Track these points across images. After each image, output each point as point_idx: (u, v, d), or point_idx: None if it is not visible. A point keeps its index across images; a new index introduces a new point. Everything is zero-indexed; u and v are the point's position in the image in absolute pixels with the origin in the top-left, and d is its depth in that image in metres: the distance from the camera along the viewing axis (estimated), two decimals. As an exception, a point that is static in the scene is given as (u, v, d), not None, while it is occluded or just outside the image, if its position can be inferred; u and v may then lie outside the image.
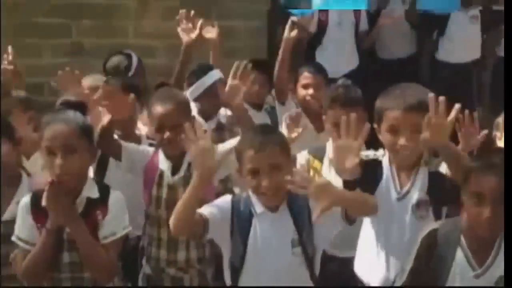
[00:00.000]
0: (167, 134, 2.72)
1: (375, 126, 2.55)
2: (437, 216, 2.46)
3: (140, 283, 2.84)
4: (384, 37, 5.05)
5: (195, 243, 2.79)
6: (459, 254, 2.29)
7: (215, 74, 3.56)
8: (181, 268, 2.80)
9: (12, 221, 2.58)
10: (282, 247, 2.38)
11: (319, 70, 3.81)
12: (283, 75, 3.76)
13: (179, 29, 3.63)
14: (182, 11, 3.65)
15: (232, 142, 2.73)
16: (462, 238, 2.29)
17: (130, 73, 3.82)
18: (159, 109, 2.76)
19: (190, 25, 3.64)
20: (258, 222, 2.40)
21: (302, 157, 3.02)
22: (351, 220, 2.38)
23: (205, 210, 2.34)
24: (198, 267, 2.82)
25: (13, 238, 2.46)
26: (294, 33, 3.71)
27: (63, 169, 2.38)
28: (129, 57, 3.88)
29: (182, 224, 2.28)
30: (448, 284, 2.28)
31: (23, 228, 2.46)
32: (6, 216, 2.64)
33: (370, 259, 2.58)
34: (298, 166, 2.93)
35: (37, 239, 2.45)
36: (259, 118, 3.73)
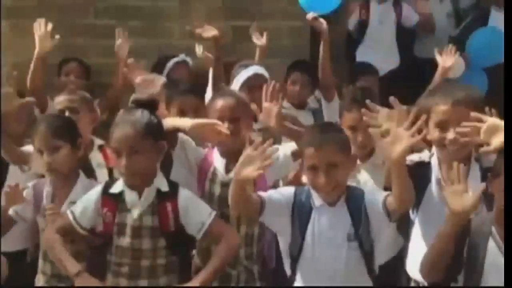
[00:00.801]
0: (226, 125, 2.80)
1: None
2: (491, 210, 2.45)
3: (192, 275, 2.87)
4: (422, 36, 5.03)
5: (244, 240, 2.86)
6: (491, 244, 2.34)
7: (255, 69, 3.63)
8: (229, 264, 2.84)
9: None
10: (339, 240, 2.48)
11: (372, 71, 3.88)
12: (327, 73, 3.78)
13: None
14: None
15: (291, 145, 2.84)
16: (494, 229, 2.33)
17: (163, 74, 4.11)
18: (219, 102, 2.87)
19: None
20: (317, 214, 2.50)
21: None
22: (391, 213, 2.44)
23: (265, 193, 2.49)
24: (245, 264, 2.88)
25: (72, 221, 2.62)
26: (323, 26, 3.74)
27: (128, 169, 2.54)
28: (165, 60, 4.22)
29: (235, 200, 2.41)
30: (484, 273, 2.33)
31: (84, 215, 2.63)
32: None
33: (420, 260, 2.57)
34: None
35: (97, 225, 2.63)
36: (303, 117, 3.80)
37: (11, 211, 2.85)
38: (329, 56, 3.77)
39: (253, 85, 3.43)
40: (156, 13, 4.85)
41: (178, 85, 3.45)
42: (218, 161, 2.88)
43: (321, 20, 3.80)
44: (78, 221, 2.64)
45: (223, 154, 2.87)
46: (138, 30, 4.84)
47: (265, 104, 2.88)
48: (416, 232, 2.69)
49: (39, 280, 2.90)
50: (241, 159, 2.38)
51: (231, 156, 2.83)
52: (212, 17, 4.77)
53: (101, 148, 3.33)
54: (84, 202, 2.66)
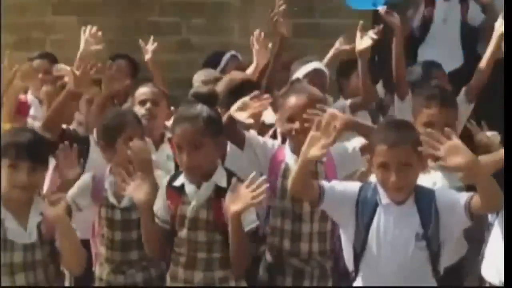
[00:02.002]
0: (297, 124, 2.82)
1: None
2: None
3: (261, 272, 2.95)
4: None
5: (318, 236, 2.87)
6: None
7: (314, 65, 3.65)
8: (303, 259, 2.87)
9: (127, 208, 2.88)
10: (406, 240, 2.44)
11: (439, 67, 3.81)
12: (401, 70, 3.68)
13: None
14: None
15: (360, 139, 2.85)
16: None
17: (219, 68, 4.18)
18: (293, 100, 2.87)
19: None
20: (382, 212, 2.47)
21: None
22: (473, 215, 2.39)
23: (327, 183, 2.50)
24: (319, 260, 2.88)
25: (156, 219, 2.70)
26: (397, 20, 3.66)
27: (188, 165, 2.60)
28: (221, 54, 4.22)
29: (296, 182, 2.45)
30: None
31: (160, 207, 2.70)
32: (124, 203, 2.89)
33: (498, 263, 2.57)
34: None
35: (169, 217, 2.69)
36: (359, 116, 3.78)
37: (69, 200, 2.86)
38: (403, 52, 3.67)
39: (312, 80, 3.45)
40: (218, 10, 4.92)
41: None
42: (290, 157, 2.89)
43: (395, 14, 3.71)
44: (159, 216, 2.70)
45: (294, 150, 2.88)
46: (200, 27, 4.95)
47: (314, 133, 2.74)
48: (496, 235, 2.66)
49: (103, 268, 2.95)
50: (306, 140, 2.41)
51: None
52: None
53: (170, 140, 3.37)
54: (159, 197, 2.72)
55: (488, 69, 3.52)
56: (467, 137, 3.01)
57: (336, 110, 2.91)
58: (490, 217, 2.73)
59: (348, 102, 3.88)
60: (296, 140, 2.83)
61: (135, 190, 2.64)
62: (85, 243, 3.05)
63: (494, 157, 2.63)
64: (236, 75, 3.40)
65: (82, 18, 4.92)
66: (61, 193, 2.64)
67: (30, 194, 2.58)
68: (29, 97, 4.27)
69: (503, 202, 2.31)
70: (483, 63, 3.54)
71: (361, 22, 3.66)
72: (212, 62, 4.39)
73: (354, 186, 2.56)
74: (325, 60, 4.20)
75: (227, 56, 4.37)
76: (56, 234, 2.58)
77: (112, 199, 2.91)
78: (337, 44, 4.31)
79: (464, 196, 2.42)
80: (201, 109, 2.65)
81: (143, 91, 3.49)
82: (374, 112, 4.12)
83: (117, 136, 2.90)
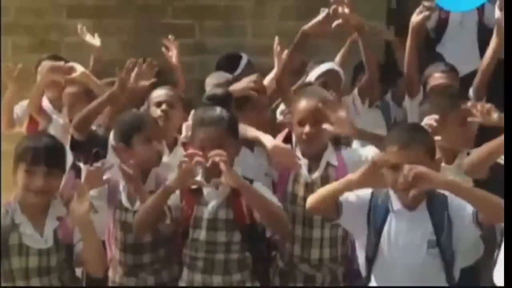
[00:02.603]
0: (307, 128, 2.83)
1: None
2: None
3: (271, 276, 2.95)
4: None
5: (329, 242, 2.87)
6: None
7: (329, 65, 3.63)
8: (314, 265, 2.88)
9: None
10: (417, 246, 2.41)
11: (451, 69, 3.77)
12: (413, 67, 3.61)
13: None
14: None
15: (373, 149, 2.85)
16: None
17: (237, 73, 4.07)
18: (303, 103, 2.87)
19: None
20: (394, 218, 2.44)
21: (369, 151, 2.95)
22: (481, 225, 2.37)
23: (343, 196, 2.45)
24: (330, 266, 2.89)
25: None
26: (422, 16, 3.55)
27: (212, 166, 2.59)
28: (239, 58, 4.15)
29: (316, 203, 2.45)
30: None
31: (173, 204, 2.71)
32: (137, 205, 2.88)
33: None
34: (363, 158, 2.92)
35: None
36: (371, 114, 3.78)
37: None
38: (415, 51, 3.60)
39: (326, 81, 3.45)
40: (231, 12, 4.94)
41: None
42: (301, 162, 2.89)
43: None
44: (170, 206, 2.71)
45: (304, 154, 2.90)
46: (214, 29, 4.96)
47: (341, 113, 2.87)
48: (506, 242, 2.55)
49: (116, 271, 2.97)
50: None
51: (313, 157, 2.87)
52: (286, 16, 4.84)
53: (184, 145, 3.39)
54: (172, 199, 2.72)
55: (492, 63, 3.47)
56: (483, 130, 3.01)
57: (344, 116, 2.89)
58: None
59: (355, 90, 3.75)
60: (306, 143, 2.84)
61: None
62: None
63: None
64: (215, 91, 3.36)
65: (97, 21, 4.99)
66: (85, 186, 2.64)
67: (46, 198, 2.60)
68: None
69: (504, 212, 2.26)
70: (485, 58, 3.49)
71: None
72: (225, 64, 4.39)
73: (365, 194, 2.51)
74: (338, 57, 4.13)
75: (244, 61, 4.34)
76: (75, 238, 2.60)
77: (125, 202, 2.94)
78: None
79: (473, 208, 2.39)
80: (222, 111, 2.69)
81: (159, 93, 3.51)
82: (385, 110, 4.10)
83: (133, 136, 2.92)
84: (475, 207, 2.31)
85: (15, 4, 5.03)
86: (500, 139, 2.52)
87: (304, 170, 2.88)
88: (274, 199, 2.67)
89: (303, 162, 2.88)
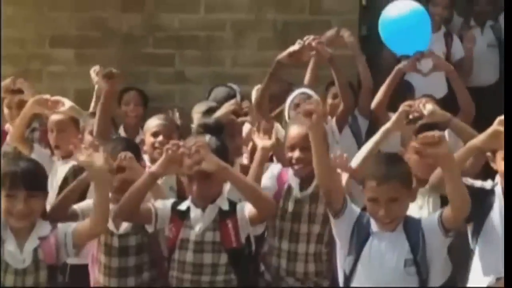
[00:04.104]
0: (297, 153, 2.99)
1: (488, 154, 2.71)
2: None
3: None
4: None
5: (313, 256, 3.01)
6: None
7: (301, 89, 3.82)
8: (300, 279, 3.01)
9: (125, 234, 2.96)
10: (395, 265, 2.56)
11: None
12: (382, 107, 3.79)
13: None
14: None
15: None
16: None
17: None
18: (294, 130, 3.05)
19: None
20: (374, 239, 2.60)
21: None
22: (447, 229, 2.54)
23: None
24: (315, 280, 3.03)
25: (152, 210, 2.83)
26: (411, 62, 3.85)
27: (199, 194, 2.77)
28: (232, 89, 4.33)
29: (320, 175, 2.64)
30: None
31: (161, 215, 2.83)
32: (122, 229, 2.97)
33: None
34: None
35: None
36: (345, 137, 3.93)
37: (76, 207, 2.92)
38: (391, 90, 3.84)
39: (298, 103, 3.67)
40: (211, 42, 5.09)
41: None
42: (292, 180, 3.08)
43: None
44: (158, 213, 2.81)
45: (296, 174, 3.07)
46: (194, 58, 5.10)
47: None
48: (477, 263, 2.74)
49: (100, 278, 2.99)
50: None
51: (304, 178, 3.05)
52: (263, 46, 5.01)
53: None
54: (162, 209, 2.84)
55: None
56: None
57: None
58: (471, 243, 2.84)
59: (333, 121, 3.95)
60: (296, 167, 3.01)
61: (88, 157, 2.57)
62: (85, 268, 3.15)
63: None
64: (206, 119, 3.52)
65: (79, 51, 5.11)
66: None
67: (29, 221, 2.60)
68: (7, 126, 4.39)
69: (469, 204, 2.47)
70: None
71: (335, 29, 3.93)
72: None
73: (356, 208, 2.70)
74: (306, 81, 4.28)
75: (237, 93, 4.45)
76: (59, 258, 2.61)
77: (111, 225, 3.00)
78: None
79: (437, 213, 2.59)
80: (211, 139, 2.86)
81: (155, 123, 3.61)
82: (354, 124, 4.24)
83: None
84: (450, 187, 2.49)
85: (-2, 34, 5.13)
86: (457, 154, 2.68)
87: (295, 188, 3.05)
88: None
89: (295, 181, 3.04)
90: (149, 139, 3.54)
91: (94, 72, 4.41)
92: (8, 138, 4.23)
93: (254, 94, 4.14)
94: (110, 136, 3.21)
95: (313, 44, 3.65)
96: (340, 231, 2.69)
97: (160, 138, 3.50)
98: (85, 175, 2.89)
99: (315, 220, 3.02)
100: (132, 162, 2.91)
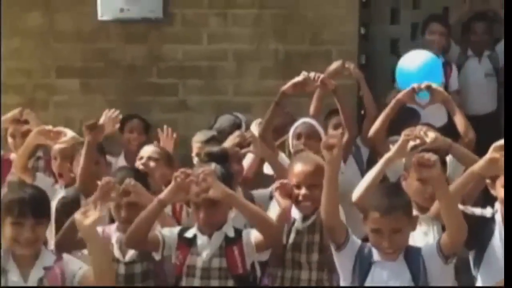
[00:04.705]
0: (303, 191, 3.05)
1: (488, 181, 2.77)
2: None
3: None
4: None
5: (315, 283, 3.06)
6: None
7: (304, 119, 3.95)
8: None
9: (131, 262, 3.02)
10: None
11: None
12: (381, 135, 3.81)
13: None
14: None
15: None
16: None
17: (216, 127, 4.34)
18: (299, 167, 3.11)
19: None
20: (376, 268, 2.65)
21: None
22: (446, 256, 2.60)
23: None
24: None
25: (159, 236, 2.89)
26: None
27: (206, 222, 2.84)
28: (238, 118, 4.43)
29: (326, 210, 2.70)
30: None
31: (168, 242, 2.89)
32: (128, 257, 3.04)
33: None
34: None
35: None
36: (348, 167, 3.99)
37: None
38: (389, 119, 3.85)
39: (300, 132, 3.82)
40: (213, 72, 5.18)
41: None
42: (296, 213, 3.14)
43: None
44: (166, 240, 2.88)
45: (302, 210, 3.13)
46: (196, 88, 5.19)
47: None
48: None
49: None
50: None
51: (308, 213, 3.12)
52: (264, 76, 5.11)
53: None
54: (169, 236, 2.91)
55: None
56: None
57: None
58: (473, 270, 2.88)
59: None
60: (302, 204, 3.08)
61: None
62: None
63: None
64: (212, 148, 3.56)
65: (84, 80, 5.21)
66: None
67: (34, 249, 2.62)
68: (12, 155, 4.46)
69: (466, 231, 2.53)
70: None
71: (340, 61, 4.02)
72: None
73: (357, 240, 2.75)
74: (311, 112, 4.35)
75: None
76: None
77: (117, 253, 3.07)
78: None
79: (436, 239, 2.66)
80: (216, 167, 2.94)
81: (145, 149, 3.82)
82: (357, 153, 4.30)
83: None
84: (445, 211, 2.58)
85: (4, 65, 5.21)
86: (457, 181, 2.74)
87: (298, 219, 3.11)
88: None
89: (298, 214, 3.12)
90: (138, 164, 3.70)
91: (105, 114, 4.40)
92: (13, 167, 4.32)
93: (254, 126, 4.21)
94: (94, 182, 3.27)
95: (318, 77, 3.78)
96: (343, 263, 2.74)
97: (144, 160, 3.69)
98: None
99: (313, 249, 3.10)
100: (137, 186, 3.00)
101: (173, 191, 2.80)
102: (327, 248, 2.97)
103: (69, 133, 3.89)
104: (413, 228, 2.71)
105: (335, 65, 4.30)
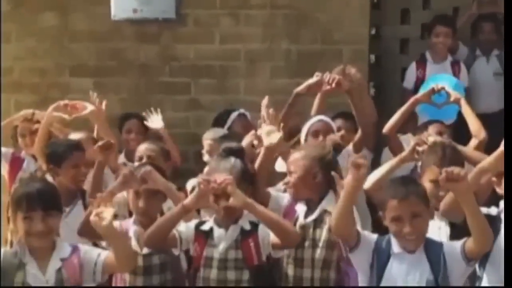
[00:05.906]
0: (292, 177, 3.18)
1: (494, 179, 2.86)
2: None
3: None
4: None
5: (319, 282, 3.10)
6: None
7: (318, 117, 4.06)
8: None
9: (149, 254, 3.09)
10: (418, 284, 2.65)
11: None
12: (395, 129, 3.98)
13: None
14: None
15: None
16: None
17: (226, 127, 4.49)
18: (292, 155, 3.23)
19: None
20: (395, 261, 2.69)
21: None
22: (469, 259, 2.64)
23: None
24: None
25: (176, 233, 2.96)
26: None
27: (226, 211, 2.91)
28: (229, 113, 4.55)
29: (339, 223, 2.72)
30: None
31: (185, 237, 2.97)
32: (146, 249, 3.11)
33: None
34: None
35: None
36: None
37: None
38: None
39: (318, 130, 3.91)
40: (225, 71, 5.24)
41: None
42: (300, 208, 3.22)
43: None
44: (182, 236, 2.96)
45: (305, 203, 3.22)
46: (209, 87, 5.26)
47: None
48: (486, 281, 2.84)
49: None
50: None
51: (311, 204, 3.19)
52: (276, 75, 5.17)
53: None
54: (186, 231, 2.98)
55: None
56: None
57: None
58: (478, 270, 2.92)
59: (350, 145, 4.07)
60: (290, 191, 3.19)
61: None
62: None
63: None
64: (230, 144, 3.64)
65: (98, 79, 5.28)
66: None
67: (48, 239, 2.67)
68: (23, 153, 4.53)
69: (491, 239, 2.59)
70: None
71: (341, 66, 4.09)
72: (220, 120, 4.69)
73: (372, 235, 2.80)
74: (313, 111, 4.40)
75: (234, 114, 4.66)
76: (85, 277, 2.68)
77: (135, 246, 3.13)
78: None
79: (460, 242, 2.69)
80: (236, 161, 3.03)
81: (141, 147, 3.98)
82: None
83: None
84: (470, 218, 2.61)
85: (19, 65, 5.30)
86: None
87: (301, 215, 3.18)
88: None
89: (302, 208, 3.17)
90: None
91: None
92: (25, 165, 4.38)
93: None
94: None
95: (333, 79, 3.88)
96: (359, 261, 2.78)
97: (143, 161, 3.77)
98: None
99: (318, 245, 3.13)
100: (152, 173, 3.10)
101: (196, 197, 2.86)
102: (335, 245, 3.04)
103: (89, 107, 4.02)
104: (431, 217, 2.75)
105: (336, 70, 4.36)
